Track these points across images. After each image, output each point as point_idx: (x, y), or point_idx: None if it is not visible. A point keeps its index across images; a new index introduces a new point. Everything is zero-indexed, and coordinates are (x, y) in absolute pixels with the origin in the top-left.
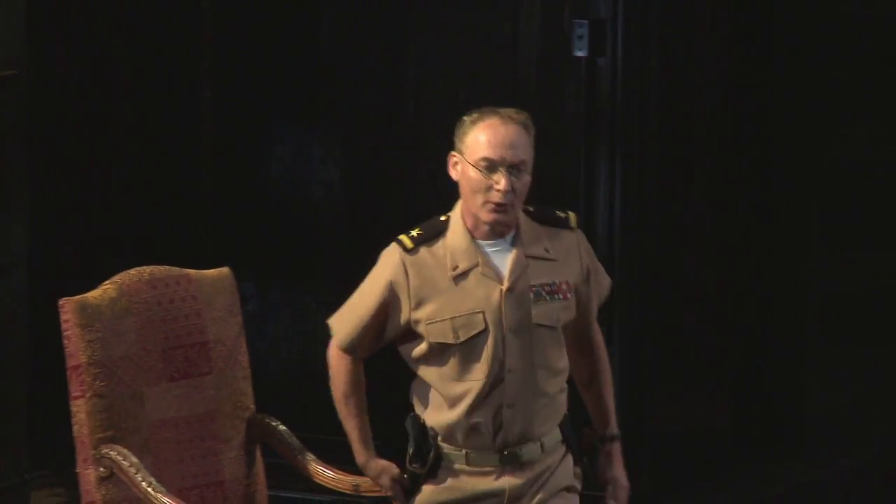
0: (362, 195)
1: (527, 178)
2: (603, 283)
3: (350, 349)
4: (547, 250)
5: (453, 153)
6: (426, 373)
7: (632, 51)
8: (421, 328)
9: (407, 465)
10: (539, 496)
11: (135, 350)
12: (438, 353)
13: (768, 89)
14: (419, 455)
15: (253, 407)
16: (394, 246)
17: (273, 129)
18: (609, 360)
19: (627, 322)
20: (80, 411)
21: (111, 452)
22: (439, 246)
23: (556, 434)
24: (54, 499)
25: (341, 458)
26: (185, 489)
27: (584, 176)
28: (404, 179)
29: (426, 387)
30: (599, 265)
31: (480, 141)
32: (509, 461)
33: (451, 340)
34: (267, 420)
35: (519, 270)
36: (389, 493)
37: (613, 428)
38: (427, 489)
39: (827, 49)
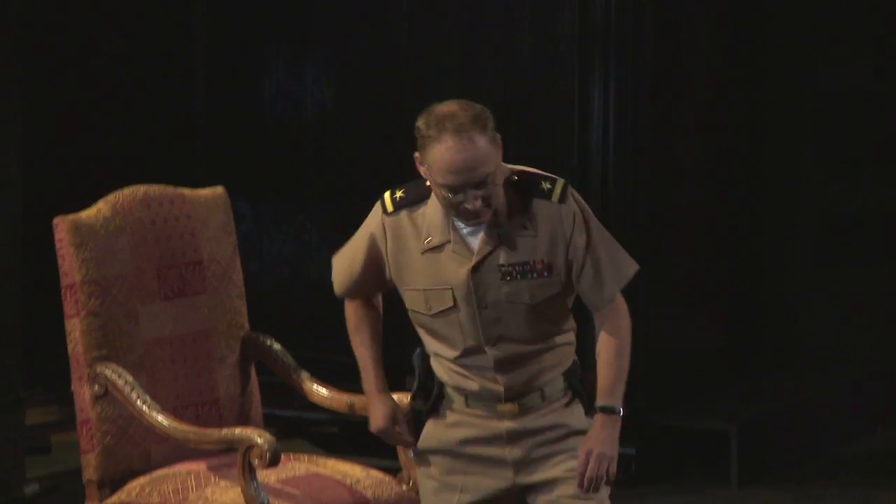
0: (355, 115)
1: (498, 181)
2: (610, 269)
3: (347, 295)
4: (524, 226)
5: (417, 155)
6: (419, 325)
7: None
8: (400, 291)
9: (410, 399)
10: (551, 435)
11: (129, 269)
12: (416, 317)
13: (761, 8)
14: (422, 391)
15: (247, 325)
16: (378, 204)
17: (267, 48)
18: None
19: (621, 242)
20: (75, 330)
21: (106, 371)
22: (419, 213)
23: (559, 383)
24: (49, 416)
25: (336, 376)
26: (180, 407)
27: (577, 97)
28: (396, 99)
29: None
30: (611, 248)
31: (440, 166)
32: (508, 409)
33: (423, 311)
34: (261, 338)
35: (487, 250)
36: (380, 434)
37: (603, 400)
38: (430, 425)
39: None
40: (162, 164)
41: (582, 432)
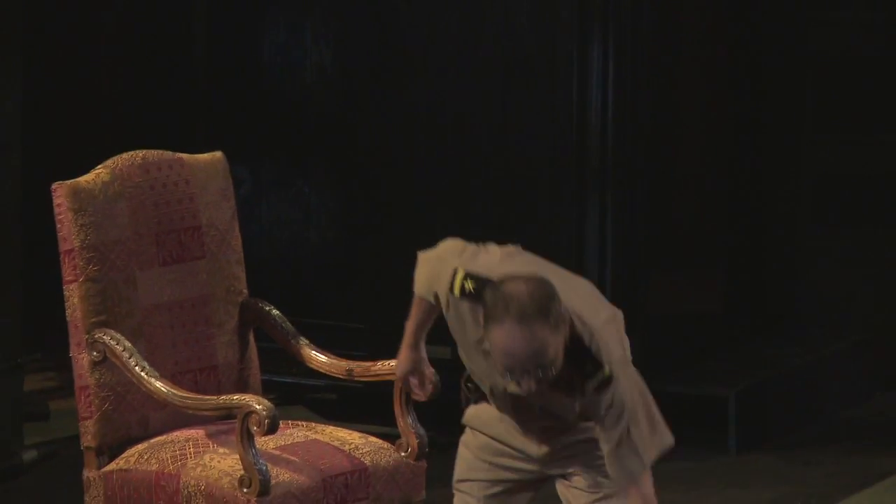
0: (355, 78)
1: (557, 365)
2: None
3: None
4: (567, 395)
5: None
6: None
7: None
8: None
9: (463, 383)
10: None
11: (128, 234)
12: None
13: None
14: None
15: (246, 291)
16: (449, 274)
17: (266, 11)
18: (604, 241)
19: (621, 202)
20: (73, 296)
21: (104, 337)
22: (481, 312)
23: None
24: (47, 383)
25: (335, 342)
26: (179, 373)
27: (577, 59)
28: (396, 64)
29: None
30: (641, 442)
31: (499, 347)
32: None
33: (467, 371)
34: (260, 304)
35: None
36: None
37: None
38: (475, 407)
39: None
40: (161, 128)
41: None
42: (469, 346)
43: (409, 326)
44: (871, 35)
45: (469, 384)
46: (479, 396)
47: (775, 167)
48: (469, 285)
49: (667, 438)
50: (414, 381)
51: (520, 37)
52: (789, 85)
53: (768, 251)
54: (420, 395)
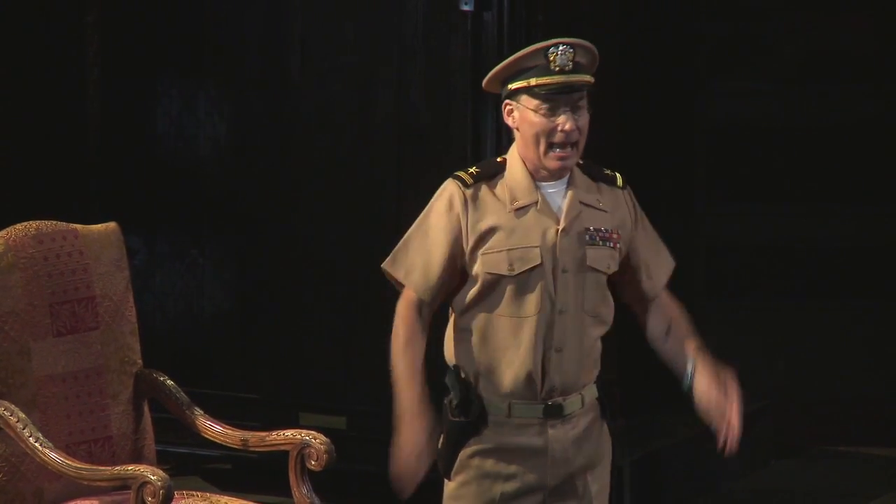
0: (248, 150)
1: (588, 111)
2: (662, 258)
3: (426, 291)
4: (598, 201)
5: (507, 102)
6: (475, 318)
7: (518, 5)
8: (476, 261)
9: (449, 416)
10: (582, 460)
11: (21, 305)
12: (491, 289)
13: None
14: (464, 406)
15: (140, 362)
16: (451, 181)
17: (160, 83)
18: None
19: None
20: None
21: None
22: (497, 183)
23: (593, 389)
24: None
25: (229, 412)
26: (73, 444)
27: (470, 130)
28: (290, 134)
29: (469, 337)
30: (660, 242)
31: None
32: (552, 413)
33: (505, 272)
34: (154, 375)
35: (574, 212)
36: (402, 474)
37: (694, 356)
38: (470, 443)
39: None
40: (55, 200)
41: (605, 460)
42: (505, 228)
43: (404, 394)
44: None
45: (459, 417)
46: (473, 426)
47: (668, 237)
48: (473, 170)
49: (672, 259)
50: (412, 472)
51: (413, 108)
52: (682, 154)
53: None
54: (406, 492)
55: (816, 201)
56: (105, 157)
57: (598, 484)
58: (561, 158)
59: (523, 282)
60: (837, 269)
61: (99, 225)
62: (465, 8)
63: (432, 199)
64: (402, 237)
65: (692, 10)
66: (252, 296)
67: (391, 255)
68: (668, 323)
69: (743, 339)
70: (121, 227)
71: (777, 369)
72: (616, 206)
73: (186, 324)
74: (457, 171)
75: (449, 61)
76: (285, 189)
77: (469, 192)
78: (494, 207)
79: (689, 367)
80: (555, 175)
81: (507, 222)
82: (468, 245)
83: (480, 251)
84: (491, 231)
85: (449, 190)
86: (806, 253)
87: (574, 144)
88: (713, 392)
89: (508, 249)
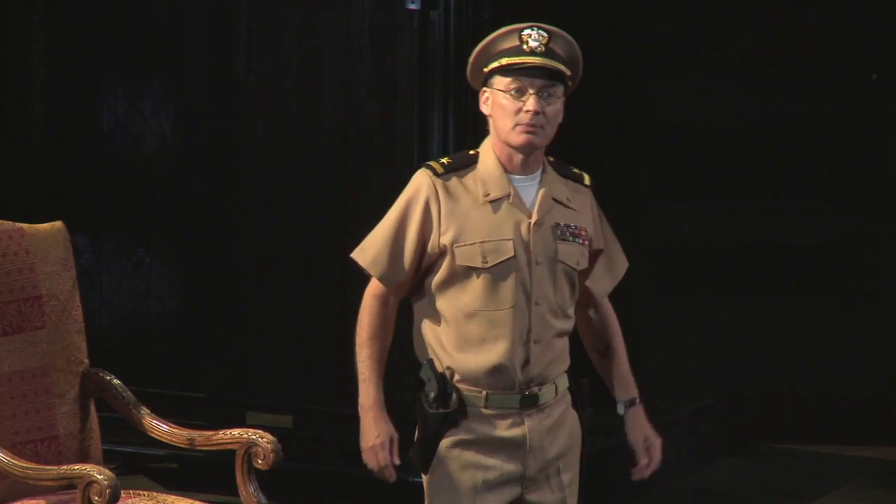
0: (195, 149)
1: (561, 102)
2: (618, 260)
3: (392, 281)
4: (568, 199)
5: (484, 90)
6: (448, 311)
7: (464, 4)
8: (448, 253)
9: (427, 409)
10: (556, 449)
11: None
12: (463, 280)
13: (606, 39)
14: (442, 397)
15: (87, 361)
16: (423, 171)
17: (105, 81)
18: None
19: None
20: None
21: None
22: (469, 175)
23: (565, 379)
24: None
25: (176, 411)
26: (19, 444)
27: (416, 129)
28: (236, 133)
29: (441, 329)
30: (617, 243)
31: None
32: (528, 403)
33: (479, 264)
34: (101, 374)
35: (546, 207)
36: (371, 451)
37: (634, 391)
38: (448, 434)
39: None
40: (0, 199)
41: (576, 446)
42: (477, 220)
43: (368, 388)
44: (712, 103)
45: (438, 409)
46: (451, 418)
47: (614, 235)
48: (445, 160)
49: (626, 262)
50: (385, 455)
51: (360, 106)
52: (628, 153)
53: None
54: (391, 475)
55: (762, 200)
56: (51, 156)
57: (570, 473)
58: (527, 132)
59: (497, 274)
60: (782, 268)
61: (45, 224)
62: (412, 6)
63: (404, 190)
64: (348, 236)
65: (637, 9)
66: (198, 295)
67: (360, 244)
68: (606, 343)
69: (688, 336)
70: (67, 226)
71: (721, 367)
72: (583, 205)
73: (133, 323)
74: (429, 161)
75: (395, 59)
76: (231, 188)
77: (440, 182)
78: (466, 199)
79: (626, 400)
80: (524, 151)
81: (479, 215)
82: (439, 236)
83: (453, 243)
84: (463, 222)
85: (419, 180)
86: (750, 251)
87: (541, 127)
88: (640, 429)
89: (482, 242)
